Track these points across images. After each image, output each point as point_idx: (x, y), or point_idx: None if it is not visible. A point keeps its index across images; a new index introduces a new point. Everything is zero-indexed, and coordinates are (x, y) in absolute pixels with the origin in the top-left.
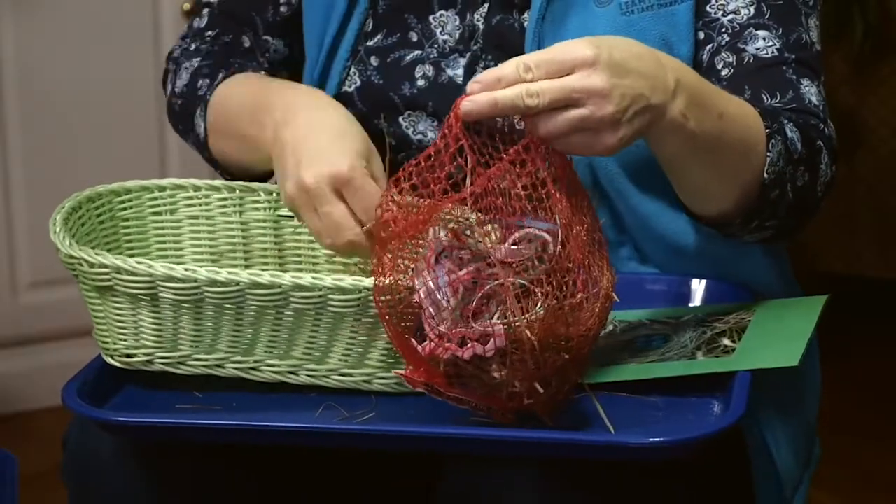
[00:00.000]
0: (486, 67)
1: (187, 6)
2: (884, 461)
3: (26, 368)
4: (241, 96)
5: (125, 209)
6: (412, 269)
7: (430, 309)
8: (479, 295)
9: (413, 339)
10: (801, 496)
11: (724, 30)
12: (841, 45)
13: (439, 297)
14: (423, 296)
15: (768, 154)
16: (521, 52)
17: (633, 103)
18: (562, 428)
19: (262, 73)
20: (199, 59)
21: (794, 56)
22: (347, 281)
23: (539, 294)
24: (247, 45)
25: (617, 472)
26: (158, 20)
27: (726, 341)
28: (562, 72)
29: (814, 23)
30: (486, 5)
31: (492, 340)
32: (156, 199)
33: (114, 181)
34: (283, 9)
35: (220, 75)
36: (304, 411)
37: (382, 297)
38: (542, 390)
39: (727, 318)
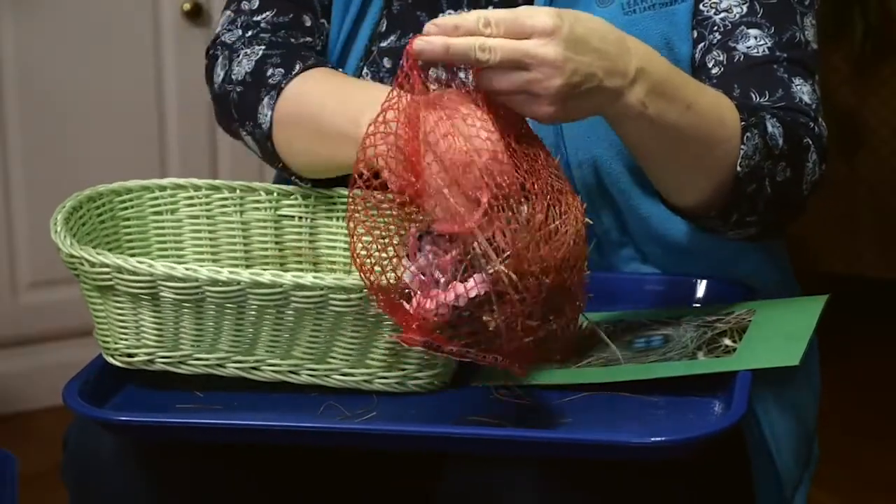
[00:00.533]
0: None
1: (187, 6)
2: (884, 461)
3: (26, 368)
4: (326, 87)
5: (126, 209)
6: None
7: (420, 285)
8: (465, 266)
9: (403, 301)
10: (801, 496)
11: (716, 28)
12: (841, 46)
13: (430, 279)
14: (412, 281)
15: (742, 147)
16: None
17: (584, 81)
18: (563, 428)
19: (340, 69)
20: (263, 46)
21: (786, 55)
22: (348, 280)
23: (505, 227)
24: (308, 24)
25: (617, 471)
26: (158, 20)
27: (727, 341)
28: (520, 34)
29: (809, 22)
30: (490, 7)
31: (471, 280)
32: (156, 198)
33: (114, 181)
34: None
35: (298, 66)
36: (304, 411)
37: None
38: (535, 324)
39: (728, 318)
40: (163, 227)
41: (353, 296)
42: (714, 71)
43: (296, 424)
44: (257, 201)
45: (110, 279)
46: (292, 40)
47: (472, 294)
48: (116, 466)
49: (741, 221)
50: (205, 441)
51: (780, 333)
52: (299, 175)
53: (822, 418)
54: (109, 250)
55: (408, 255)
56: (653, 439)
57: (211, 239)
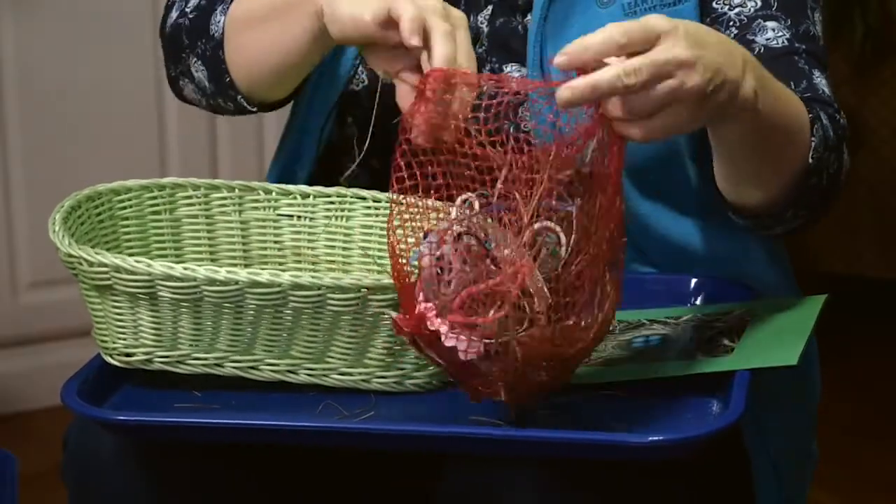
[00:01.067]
0: (491, 70)
1: None
2: (884, 461)
3: (26, 368)
4: None
5: (125, 208)
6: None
7: (428, 277)
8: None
9: (417, 289)
10: (801, 496)
11: (731, 23)
12: (841, 47)
13: (439, 272)
14: (425, 262)
15: (812, 139)
16: (524, 55)
17: (714, 76)
18: (562, 428)
19: None
20: None
21: (804, 46)
22: (346, 280)
23: (536, 311)
24: None
25: (617, 471)
26: (158, 20)
27: (726, 341)
28: (650, 42)
29: (818, 17)
30: (490, 8)
31: (476, 342)
32: (155, 198)
33: (114, 181)
34: None
35: None
36: (303, 410)
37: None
38: (504, 397)
39: (726, 317)
40: (161, 227)
41: (350, 295)
42: None
43: (294, 424)
44: (256, 200)
45: (108, 278)
46: None
47: (464, 356)
48: (116, 466)
49: (795, 216)
50: (203, 440)
51: (778, 333)
52: (248, 95)
53: (822, 418)
54: (108, 250)
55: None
56: (651, 439)
57: (210, 238)
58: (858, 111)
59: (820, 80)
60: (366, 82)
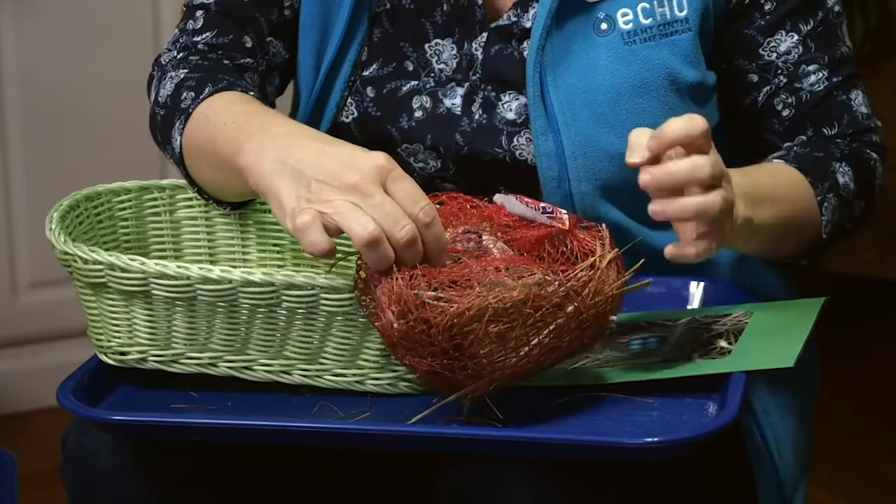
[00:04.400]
0: (484, 98)
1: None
2: (883, 461)
3: (26, 368)
4: (227, 114)
5: (124, 209)
6: None
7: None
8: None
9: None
10: (801, 496)
11: (779, 71)
12: None
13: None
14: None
15: (823, 217)
16: (520, 83)
17: (722, 175)
18: (558, 428)
19: (252, 92)
20: (186, 70)
21: (840, 77)
22: (340, 280)
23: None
24: (249, 45)
25: (614, 472)
26: (158, 20)
27: (723, 343)
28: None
29: (844, 26)
30: (485, 35)
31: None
32: (155, 199)
33: (114, 181)
34: (286, 12)
35: (207, 89)
36: (298, 411)
37: None
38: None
39: (724, 320)
40: (161, 228)
41: (344, 296)
42: (785, 113)
43: (290, 424)
44: (256, 203)
45: (103, 276)
46: (226, 62)
47: (421, 367)
48: (116, 467)
49: (831, 244)
50: (199, 440)
51: (776, 335)
52: (214, 199)
53: (822, 418)
54: (107, 251)
55: None
56: (646, 440)
57: (209, 240)
58: None
59: (857, 101)
60: (355, 114)
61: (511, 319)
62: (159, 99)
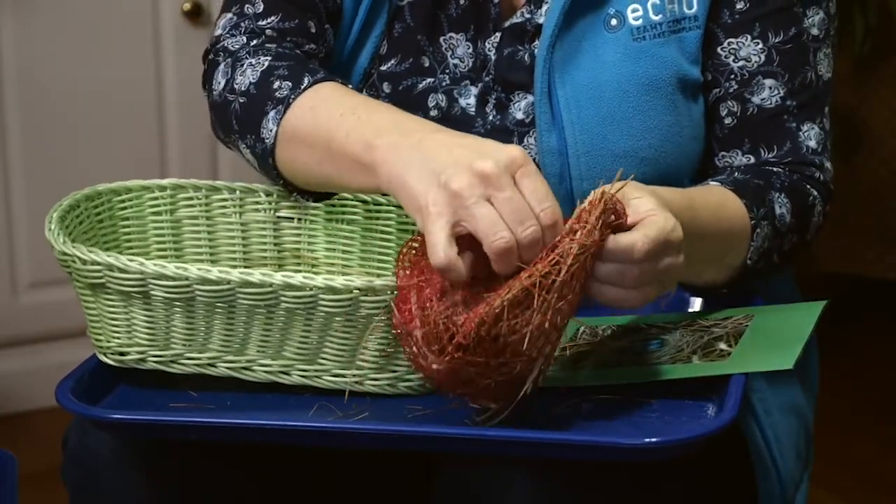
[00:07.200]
0: (497, 99)
1: (187, 6)
2: (883, 461)
3: (26, 368)
4: (340, 106)
5: (125, 208)
6: None
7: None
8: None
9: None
10: (801, 496)
11: (733, 77)
12: (841, 46)
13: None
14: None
15: (752, 243)
16: (530, 83)
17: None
18: (558, 429)
19: (349, 84)
20: (269, 57)
21: (796, 102)
22: (338, 281)
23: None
24: (313, 30)
25: (613, 472)
26: (158, 20)
27: (723, 345)
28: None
29: (823, 54)
30: (498, 35)
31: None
32: (156, 198)
33: (114, 181)
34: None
35: (306, 79)
36: (299, 410)
37: None
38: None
39: (725, 322)
40: (162, 228)
41: (342, 296)
42: (727, 121)
43: (290, 423)
44: (257, 203)
45: (101, 277)
46: (298, 50)
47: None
48: (116, 467)
49: (759, 272)
50: (198, 439)
51: (775, 337)
52: (300, 189)
53: (822, 418)
54: (107, 250)
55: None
56: (645, 440)
57: (210, 240)
58: (858, 111)
59: (807, 135)
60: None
61: (526, 297)
62: (236, 87)
